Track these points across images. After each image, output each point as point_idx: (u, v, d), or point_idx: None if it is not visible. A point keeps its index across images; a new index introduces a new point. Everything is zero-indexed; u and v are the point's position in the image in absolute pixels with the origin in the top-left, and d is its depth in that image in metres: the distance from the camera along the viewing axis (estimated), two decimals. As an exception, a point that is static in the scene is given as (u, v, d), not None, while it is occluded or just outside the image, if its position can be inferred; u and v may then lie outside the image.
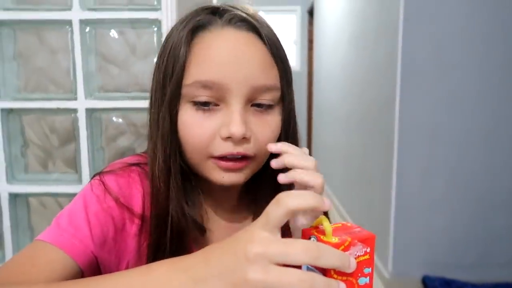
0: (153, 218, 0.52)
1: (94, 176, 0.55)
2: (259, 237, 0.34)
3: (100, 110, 1.01)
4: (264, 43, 0.50)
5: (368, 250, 0.37)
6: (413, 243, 2.15)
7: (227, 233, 0.52)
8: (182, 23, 0.51)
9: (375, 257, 2.41)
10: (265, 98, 0.50)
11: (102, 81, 1.01)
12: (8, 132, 1.00)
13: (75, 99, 0.99)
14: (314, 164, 0.47)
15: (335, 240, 0.35)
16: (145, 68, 1.02)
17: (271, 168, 0.51)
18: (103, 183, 0.53)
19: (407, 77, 2.03)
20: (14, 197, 1.02)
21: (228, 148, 0.49)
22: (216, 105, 0.49)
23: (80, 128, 0.99)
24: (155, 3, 1.00)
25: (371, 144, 2.61)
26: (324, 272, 0.34)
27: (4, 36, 0.99)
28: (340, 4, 3.49)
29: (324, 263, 0.33)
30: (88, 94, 0.99)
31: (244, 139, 0.48)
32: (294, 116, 0.57)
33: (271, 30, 0.52)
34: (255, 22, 0.50)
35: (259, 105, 0.50)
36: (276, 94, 0.51)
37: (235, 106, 0.48)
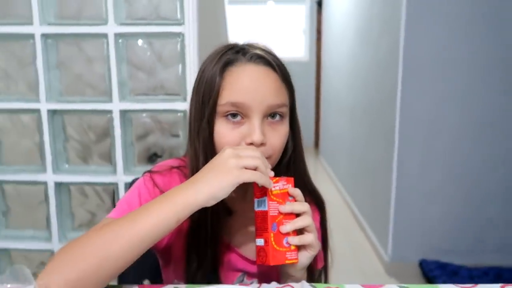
0: None
1: (144, 173, 0.71)
2: (227, 147, 0.60)
3: (132, 111, 1.16)
4: (276, 73, 0.67)
5: (289, 185, 0.64)
6: (411, 230, 2.29)
7: (249, 216, 0.68)
8: (214, 59, 0.68)
9: (376, 242, 2.57)
10: (277, 112, 0.67)
11: (133, 85, 1.17)
12: (53, 130, 1.17)
13: (111, 101, 1.14)
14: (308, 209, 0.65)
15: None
16: (169, 74, 1.17)
17: (282, 166, 0.71)
18: (152, 179, 0.69)
19: (408, 73, 2.15)
20: (59, 186, 1.19)
21: None
22: (242, 119, 0.66)
23: (115, 126, 1.14)
24: (179, 16, 1.14)
25: (373, 136, 2.74)
26: (266, 194, 0.61)
27: (49, 47, 1.14)
28: (348, -4, 3.56)
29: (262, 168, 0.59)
30: (122, 97, 1.14)
31: (262, 144, 0.65)
32: (298, 123, 0.75)
33: (281, 62, 0.70)
34: (269, 58, 0.67)
35: (273, 117, 0.67)
36: (285, 109, 0.69)
37: (255, 120, 0.65)
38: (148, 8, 1.15)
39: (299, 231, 0.63)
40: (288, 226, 0.61)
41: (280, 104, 0.67)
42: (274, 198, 0.62)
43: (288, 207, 0.62)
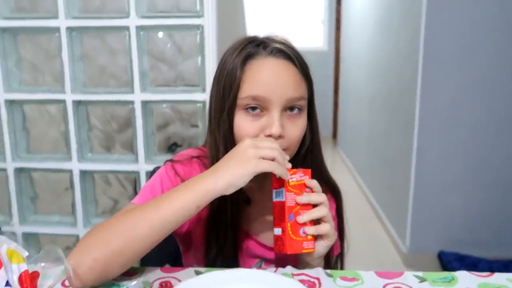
0: None
1: (166, 162, 0.74)
2: (246, 138, 0.62)
3: (153, 102, 1.19)
4: (296, 66, 0.68)
5: (306, 177, 0.65)
6: (430, 220, 2.27)
7: (267, 205, 0.70)
8: (234, 52, 0.69)
9: (394, 233, 2.56)
10: (296, 105, 0.69)
11: (154, 77, 1.20)
12: (78, 120, 1.21)
13: (132, 92, 1.17)
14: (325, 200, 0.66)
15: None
16: (189, 66, 1.20)
17: (299, 156, 0.73)
18: (173, 168, 0.72)
19: (429, 63, 2.11)
20: (83, 174, 1.24)
21: None
22: (261, 111, 0.67)
23: (137, 117, 1.18)
24: (198, 8, 1.16)
25: (392, 126, 2.71)
26: (286, 187, 0.63)
27: (73, 40, 1.18)
28: (368, -15, 3.51)
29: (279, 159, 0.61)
30: (143, 88, 1.18)
31: (280, 137, 0.67)
32: (316, 116, 0.76)
33: (300, 56, 0.71)
34: (289, 52, 0.68)
35: (291, 110, 0.69)
36: (304, 102, 0.70)
37: (275, 112, 0.66)
38: (169, 1, 1.17)
39: (316, 221, 0.65)
40: (305, 216, 0.63)
41: (299, 97, 0.68)
42: (291, 189, 0.64)
43: (305, 198, 0.64)
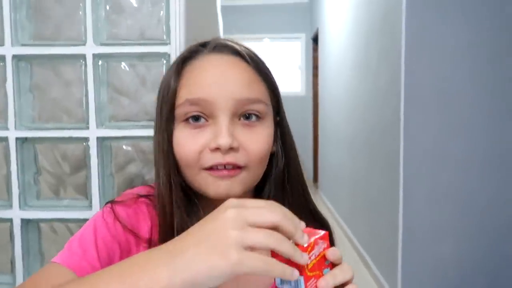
0: (161, 234, 0.56)
1: (106, 203, 0.59)
2: (233, 203, 0.40)
3: (111, 138, 1.05)
4: (247, 63, 0.55)
5: (325, 245, 0.45)
6: (422, 267, 2.13)
7: None
8: (174, 62, 0.58)
9: (384, 282, 2.38)
10: (252, 110, 0.54)
11: (113, 111, 1.06)
12: (22, 160, 1.05)
13: (87, 128, 1.03)
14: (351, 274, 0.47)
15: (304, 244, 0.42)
16: (154, 99, 1.07)
17: (270, 181, 0.58)
18: (113, 211, 0.57)
19: (411, 102, 2.07)
20: (26, 223, 1.06)
21: (217, 158, 0.53)
22: (206, 121, 0.54)
23: (92, 156, 1.03)
24: (165, 37, 1.05)
25: (375, 169, 2.62)
26: (302, 271, 0.41)
27: (21, 70, 1.04)
28: (344, 31, 3.58)
29: (285, 224, 0.40)
30: (100, 124, 1.04)
31: (232, 149, 0.53)
32: (288, 129, 0.62)
33: (254, 53, 0.58)
34: (237, 46, 0.56)
35: (247, 118, 0.55)
36: (263, 107, 0.56)
37: (222, 119, 0.53)
38: (132, 29, 1.07)
39: None
40: None
41: (253, 100, 0.54)
42: (311, 274, 0.42)
43: (330, 282, 0.43)
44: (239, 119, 0.55)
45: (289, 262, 0.40)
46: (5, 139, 1.03)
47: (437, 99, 2.05)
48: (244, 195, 0.57)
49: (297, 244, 0.41)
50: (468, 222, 2.08)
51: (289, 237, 0.40)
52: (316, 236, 0.43)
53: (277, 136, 0.60)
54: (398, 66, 2.09)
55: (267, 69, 0.59)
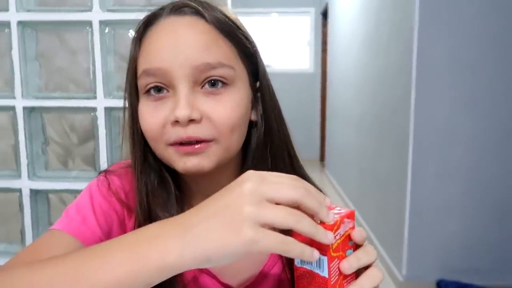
0: (137, 211, 0.54)
1: (99, 173, 0.58)
2: (253, 176, 0.37)
3: (119, 108, 1.03)
4: (207, 22, 0.49)
5: (351, 225, 0.42)
6: (427, 247, 2.13)
7: None
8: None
9: (388, 260, 2.39)
10: (215, 75, 0.49)
11: (121, 80, 1.03)
12: (30, 130, 1.03)
13: (95, 98, 1.01)
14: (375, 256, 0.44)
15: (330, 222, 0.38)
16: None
17: (250, 158, 0.54)
18: (107, 180, 0.55)
19: (422, 78, 2.02)
20: (35, 194, 1.05)
21: (178, 133, 0.48)
22: (168, 92, 0.49)
23: (99, 126, 1.01)
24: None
25: (384, 146, 2.59)
26: (325, 251, 0.38)
27: (27, 37, 1.02)
28: (354, 5, 3.48)
29: (308, 201, 0.36)
30: (107, 93, 1.01)
31: (193, 121, 0.48)
32: (272, 95, 0.56)
33: (220, 10, 0.52)
34: (198, 6, 0.49)
35: (213, 85, 0.49)
36: (229, 72, 0.49)
37: (181, 89, 0.48)
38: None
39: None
40: None
41: (215, 64, 0.48)
42: (336, 255, 0.39)
43: (354, 264, 0.40)
44: (202, 87, 0.49)
45: (312, 241, 0.37)
46: (12, 108, 1.01)
47: (449, 76, 1.99)
48: (223, 168, 0.52)
49: (322, 223, 0.38)
50: (475, 201, 2.06)
51: (312, 214, 0.37)
52: (342, 214, 0.40)
53: (258, 103, 0.55)
54: (410, 42, 2.03)
55: (236, 27, 0.52)
